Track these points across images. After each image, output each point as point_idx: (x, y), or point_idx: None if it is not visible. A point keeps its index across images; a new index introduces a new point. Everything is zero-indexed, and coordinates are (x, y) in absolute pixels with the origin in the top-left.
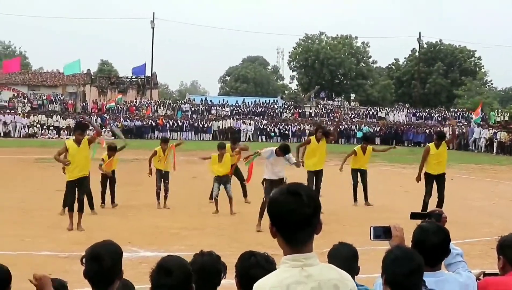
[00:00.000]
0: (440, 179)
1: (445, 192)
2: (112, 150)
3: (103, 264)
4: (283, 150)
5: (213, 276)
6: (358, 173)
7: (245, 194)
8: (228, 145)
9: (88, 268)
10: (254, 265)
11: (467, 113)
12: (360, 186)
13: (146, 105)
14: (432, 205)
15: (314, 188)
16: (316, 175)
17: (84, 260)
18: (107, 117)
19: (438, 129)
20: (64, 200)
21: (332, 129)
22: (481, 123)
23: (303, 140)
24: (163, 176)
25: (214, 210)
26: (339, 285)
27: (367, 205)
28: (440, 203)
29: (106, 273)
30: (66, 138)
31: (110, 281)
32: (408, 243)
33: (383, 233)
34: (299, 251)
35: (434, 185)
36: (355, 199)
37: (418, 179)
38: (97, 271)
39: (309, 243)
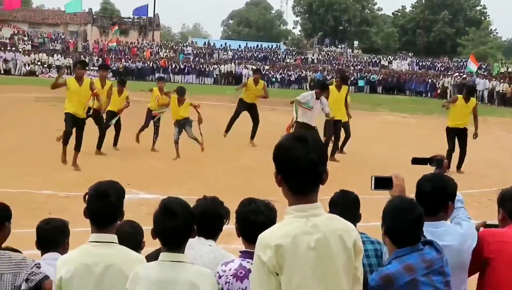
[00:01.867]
0: (462, 134)
1: (445, 144)
2: (122, 84)
3: (109, 201)
4: (323, 87)
5: (216, 221)
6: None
7: (252, 137)
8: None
9: (93, 205)
10: (254, 211)
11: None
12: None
13: (147, 47)
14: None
15: (334, 137)
16: (334, 124)
17: (87, 197)
18: (107, 58)
19: (470, 83)
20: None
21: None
22: (485, 74)
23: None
24: (153, 117)
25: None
26: (344, 236)
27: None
28: (460, 160)
29: (111, 211)
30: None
31: (113, 219)
32: (410, 193)
33: (384, 183)
34: (304, 201)
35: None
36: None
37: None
38: (102, 208)
39: (314, 192)
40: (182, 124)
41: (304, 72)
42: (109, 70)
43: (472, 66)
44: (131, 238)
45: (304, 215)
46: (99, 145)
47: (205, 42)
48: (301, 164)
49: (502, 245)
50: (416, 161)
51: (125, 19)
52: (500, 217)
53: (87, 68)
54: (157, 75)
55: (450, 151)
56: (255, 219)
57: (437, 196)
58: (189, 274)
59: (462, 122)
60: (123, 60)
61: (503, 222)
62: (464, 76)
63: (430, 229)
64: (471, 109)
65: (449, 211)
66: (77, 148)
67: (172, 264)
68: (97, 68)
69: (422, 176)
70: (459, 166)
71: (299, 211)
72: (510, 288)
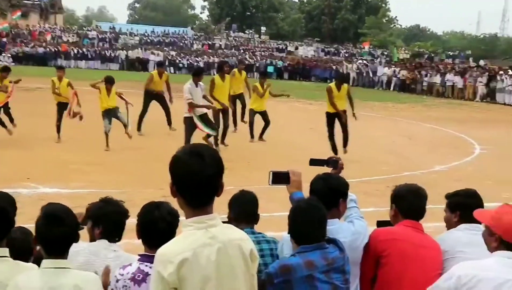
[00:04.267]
0: (340, 116)
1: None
2: (5, 70)
3: (7, 217)
4: (197, 73)
5: (119, 224)
6: (257, 114)
7: (169, 123)
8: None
9: None
10: (158, 219)
11: (373, 49)
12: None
13: (49, 31)
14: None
15: (222, 125)
16: (222, 113)
17: None
18: (6, 42)
19: (340, 70)
20: None
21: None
22: (385, 60)
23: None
24: (63, 108)
25: (106, 146)
26: (241, 245)
27: (261, 141)
28: (345, 140)
29: (6, 226)
30: None
31: (5, 233)
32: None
33: (281, 178)
34: (201, 213)
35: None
36: (252, 136)
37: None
38: None
39: (210, 204)
40: (113, 114)
41: (212, 58)
42: None
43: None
44: (22, 245)
45: (202, 226)
46: None
47: (110, 27)
48: (198, 179)
49: (394, 242)
50: (313, 162)
51: (25, 1)
52: (392, 213)
53: None
54: (59, 61)
55: (331, 135)
56: (158, 227)
57: (329, 193)
58: (74, 280)
59: (339, 105)
60: (22, 44)
61: (395, 218)
62: (365, 62)
63: None
64: (344, 94)
65: (341, 209)
66: None
67: (56, 271)
68: None
69: (315, 175)
70: (344, 145)
71: (197, 222)
72: (401, 284)
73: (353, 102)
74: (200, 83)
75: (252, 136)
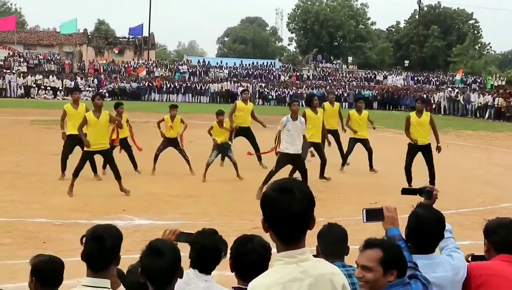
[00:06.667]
0: (425, 150)
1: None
2: (119, 106)
3: (104, 245)
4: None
5: (213, 256)
6: (357, 143)
7: (259, 159)
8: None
9: (88, 248)
10: (250, 252)
11: (465, 77)
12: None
13: (139, 65)
14: (424, 179)
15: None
16: (315, 147)
17: (84, 240)
18: (103, 78)
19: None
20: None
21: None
22: (477, 88)
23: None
24: (171, 143)
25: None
26: (333, 279)
27: (372, 172)
28: (432, 178)
29: (106, 255)
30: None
31: (108, 263)
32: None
33: (375, 215)
34: (292, 247)
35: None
36: (343, 165)
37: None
38: (97, 252)
39: (302, 239)
40: (224, 149)
41: (300, 89)
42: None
43: (458, 76)
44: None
45: (293, 261)
46: (94, 170)
47: (199, 60)
48: (288, 215)
49: (488, 278)
50: (406, 191)
51: (120, 39)
52: (486, 249)
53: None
54: (152, 95)
55: (408, 166)
56: (250, 259)
57: (438, 237)
58: None
59: (424, 138)
60: (118, 80)
61: (488, 253)
62: (457, 90)
63: (423, 261)
64: (427, 123)
65: None
66: (117, 177)
67: None
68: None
69: (414, 214)
70: (431, 182)
71: (288, 257)
72: None
73: (438, 133)
74: (300, 117)
75: (343, 164)
